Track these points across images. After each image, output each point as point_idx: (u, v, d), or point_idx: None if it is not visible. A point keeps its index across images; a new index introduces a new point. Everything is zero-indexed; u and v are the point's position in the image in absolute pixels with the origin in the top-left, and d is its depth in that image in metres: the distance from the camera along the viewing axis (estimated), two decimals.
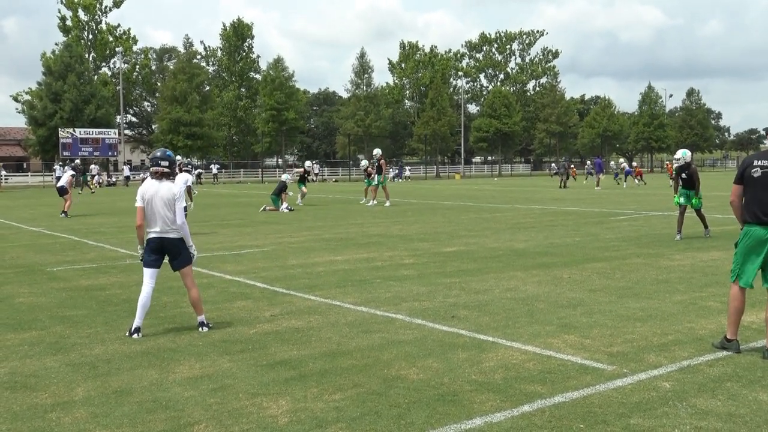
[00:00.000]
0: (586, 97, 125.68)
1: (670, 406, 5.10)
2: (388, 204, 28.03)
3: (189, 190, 19.63)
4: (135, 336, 7.31)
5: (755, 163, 6.47)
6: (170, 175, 7.68)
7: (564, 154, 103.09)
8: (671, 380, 5.68)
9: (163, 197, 7.47)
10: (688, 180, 15.09)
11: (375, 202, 28.83)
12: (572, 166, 61.13)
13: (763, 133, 7.23)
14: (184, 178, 19.67)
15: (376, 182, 28.79)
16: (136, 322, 7.42)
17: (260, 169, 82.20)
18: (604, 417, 4.90)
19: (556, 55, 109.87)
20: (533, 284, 10.01)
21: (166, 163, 7.61)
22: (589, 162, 53.60)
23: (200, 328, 7.58)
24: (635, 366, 6.05)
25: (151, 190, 7.50)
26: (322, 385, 5.70)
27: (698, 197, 15.08)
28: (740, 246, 6.53)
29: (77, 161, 53.68)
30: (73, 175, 26.80)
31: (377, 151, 29.77)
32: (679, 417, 4.89)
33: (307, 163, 32.81)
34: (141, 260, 7.72)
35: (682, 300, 8.78)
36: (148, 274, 7.61)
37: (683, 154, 15.05)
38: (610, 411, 5.02)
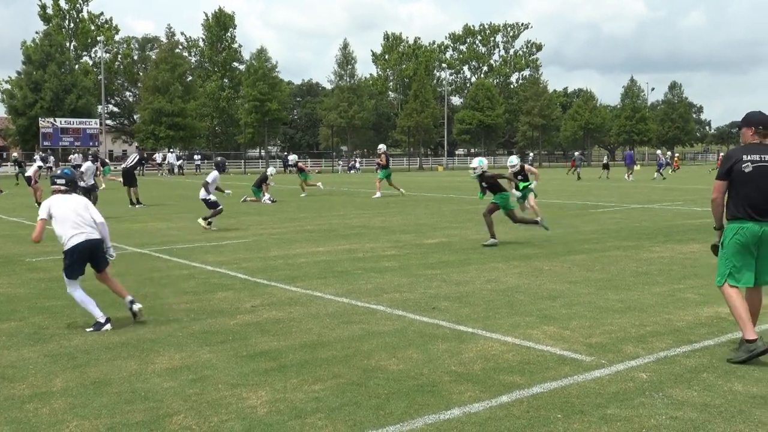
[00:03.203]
0: (569, 90, 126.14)
1: (646, 397, 5.15)
2: (377, 195, 28.12)
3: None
4: (108, 326, 7.25)
5: (744, 158, 6.02)
6: (72, 191, 7.82)
7: (546, 147, 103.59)
8: (648, 371, 5.73)
9: (74, 206, 7.55)
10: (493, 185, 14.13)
11: (402, 191, 29.11)
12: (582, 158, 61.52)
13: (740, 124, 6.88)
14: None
15: (380, 175, 29.13)
16: (98, 314, 7.34)
17: (243, 160, 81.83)
18: (582, 407, 4.95)
19: (539, 48, 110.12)
20: (514, 276, 10.06)
21: (63, 181, 7.76)
22: (576, 155, 53.23)
23: (132, 306, 7.54)
24: (613, 357, 6.11)
25: (60, 203, 7.53)
26: (301, 375, 5.71)
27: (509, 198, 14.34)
28: (730, 245, 6.09)
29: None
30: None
31: (382, 147, 30.32)
32: (655, 407, 4.94)
33: (292, 157, 32.14)
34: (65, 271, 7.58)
35: (661, 292, 8.86)
36: (75, 283, 7.50)
37: (479, 163, 14.11)
38: (588, 401, 5.06)
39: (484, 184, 13.92)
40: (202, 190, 16.67)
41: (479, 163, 14.03)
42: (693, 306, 8.04)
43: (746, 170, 6.01)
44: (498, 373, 5.70)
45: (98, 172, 27.76)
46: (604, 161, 52.77)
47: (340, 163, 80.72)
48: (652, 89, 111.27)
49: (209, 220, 16.21)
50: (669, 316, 7.58)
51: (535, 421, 4.72)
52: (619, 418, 4.76)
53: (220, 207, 16.48)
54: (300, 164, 32.13)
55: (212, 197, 16.57)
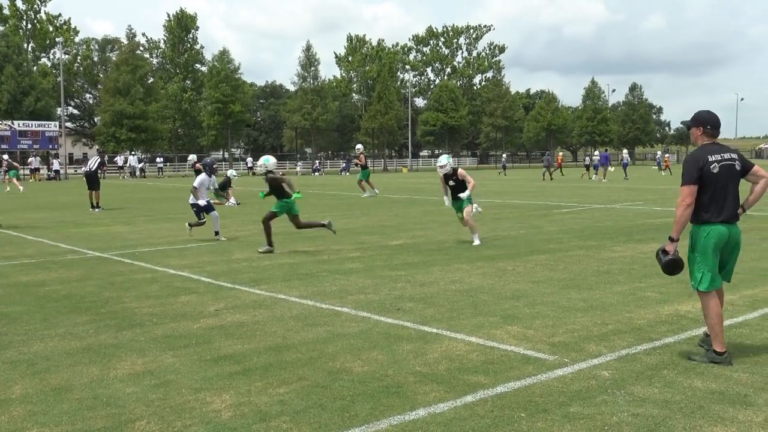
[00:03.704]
0: (531, 92, 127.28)
1: (608, 394, 5.21)
2: (370, 195, 28.78)
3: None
4: None
5: (710, 158, 5.86)
6: None
7: (509, 148, 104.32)
8: (610, 369, 5.80)
9: None
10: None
11: (377, 191, 29.40)
12: (560, 155, 61.57)
13: (682, 126, 6.69)
14: None
15: (361, 176, 29.68)
16: None
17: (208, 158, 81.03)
18: (545, 406, 4.99)
19: (502, 50, 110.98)
20: (478, 276, 10.12)
21: None
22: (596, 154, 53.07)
23: None
24: (576, 355, 6.17)
25: None
26: (266, 378, 5.68)
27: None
28: (705, 248, 5.91)
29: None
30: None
31: (360, 147, 30.88)
32: (617, 404, 5.01)
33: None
34: None
35: (622, 291, 8.97)
36: None
37: (448, 159, 13.89)
38: (551, 400, 5.11)
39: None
40: (191, 195, 15.34)
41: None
42: (654, 304, 8.16)
43: (714, 171, 5.86)
44: (462, 373, 5.72)
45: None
46: (586, 162, 51.98)
47: (299, 164, 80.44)
48: (613, 91, 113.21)
49: (192, 226, 15.19)
50: (630, 314, 7.69)
51: (499, 420, 4.76)
52: (581, 416, 4.81)
53: (204, 220, 15.19)
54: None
55: (202, 202, 15.14)
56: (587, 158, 51.15)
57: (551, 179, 45.90)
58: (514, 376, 5.65)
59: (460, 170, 13.68)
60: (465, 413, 4.88)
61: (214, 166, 16.11)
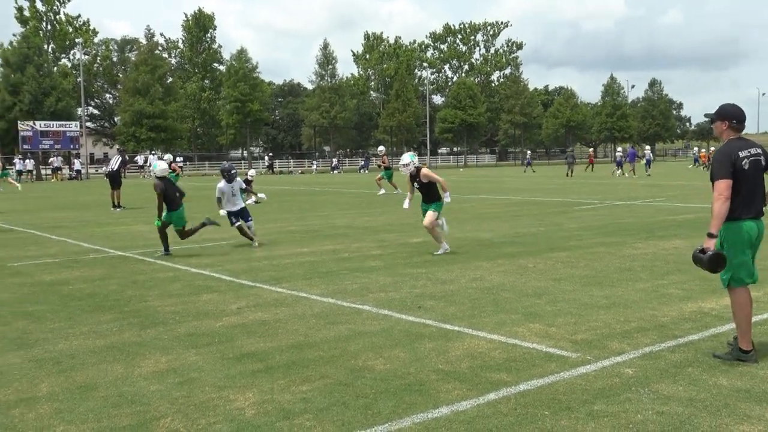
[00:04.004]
0: (550, 88, 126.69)
1: (632, 392, 5.18)
2: (381, 193, 28.78)
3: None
4: None
5: (741, 154, 5.77)
6: None
7: (528, 145, 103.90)
8: (634, 366, 5.77)
9: None
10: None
11: (398, 191, 29.28)
12: (591, 151, 60.69)
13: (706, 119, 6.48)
14: None
15: (383, 174, 29.82)
16: None
17: (225, 162, 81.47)
18: (569, 404, 4.97)
19: (520, 46, 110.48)
20: (498, 274, 10.09)
21: None
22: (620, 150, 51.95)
23: None
24: (599, 353, 6.14)
25: None
26: (289, 376, 5.70)
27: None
28: (736, 244, 5.82)
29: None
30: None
31: (382, 149, 31.07)
32: (641, 402, 4.98)
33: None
34: None
35: (645, 288, 8.91)
36: None
37: (411, 158, 12.61)
38: (575, 398, 5.09)
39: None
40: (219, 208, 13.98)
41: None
42: (677, 301, 8.10)
43: (745, 167, 5.77)
44: (485, 371, 5.71)
45: None
46: (618, 159, 49.88)
47: (315, 163, 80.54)
48: (632, 86, 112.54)
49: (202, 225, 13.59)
50: (653, 311, 7.64)
51: (522, 418, 4.74)
52: (605, 413, 4.79)
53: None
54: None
55: (226, 209, 13.89)
56: (617, 154, 50.23)
57: (571, 175, 45.63)
58: (536, 373, 5.63)
59: (423, 170, 12.19)
60: (488, 411, 4.87)
61: (233, 171, 13.73)
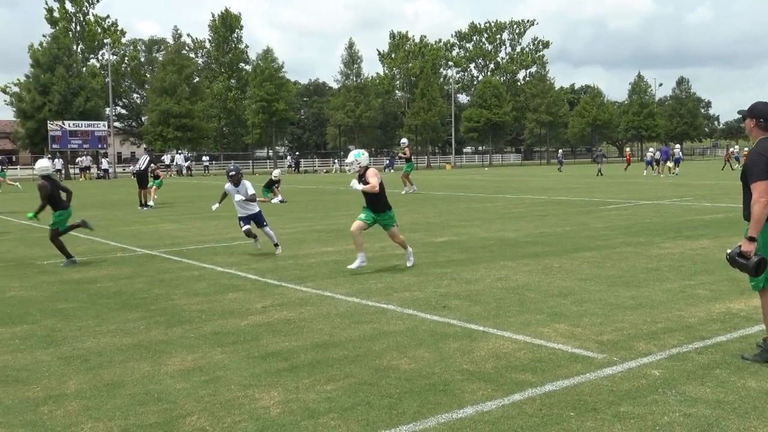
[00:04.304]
0: (576, 87, 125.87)
1: (659, 394, 5.14)
2: (405, 191, 28.59)
3: None
4: None
5: None
6: None
7: (554, 144, 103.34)
8: (661, 368, 5.72)
9: None
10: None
11: (415, 188, 29.33)
12: (628, 150, 59.93)
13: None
14: None
15: (406, 168, 29.74)
16: None
17: (251, 161, 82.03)
18: (595, 405, 4.94)
19: (546, 45, 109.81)
20: (524, 273, 10.05)
21: None
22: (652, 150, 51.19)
23: None
24: (625, 354, 6.09)
25: None
26: (313, 375, 5.72)
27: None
28: None
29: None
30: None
31: (405, 141, 30.80)
32: (668, 404, 4.93)
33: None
34: None
35: (672, 288, 8.83)
36: None
37: (356, 156, 11.26)
38: (601, 399, 5.05)
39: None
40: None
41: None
42: (704, 302, 8.01)
43: None
44: (510, 372, 5.69)
45: None
46: (653, 157, 48.21)
47: (337, 162, 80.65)
48: (660, 85, 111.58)
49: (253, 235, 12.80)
50: (680, 312, 7.56)
51: (548, 419, 4.72)
52: (632, 415, 4.75)
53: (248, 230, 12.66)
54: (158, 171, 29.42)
55: (215, 206, 13.85)
56: (658, 153, 49.48)
57: (601, 175, 45.29)
58: (562, 374, 5.60)
59: (370, 170, 10.83)
60: (513, 412, 4.86)
61: (232, 174, 12.72)
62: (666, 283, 9.19)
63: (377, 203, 10.93)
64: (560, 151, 69.38)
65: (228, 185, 12.81)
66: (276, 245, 12.78)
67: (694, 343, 6.40)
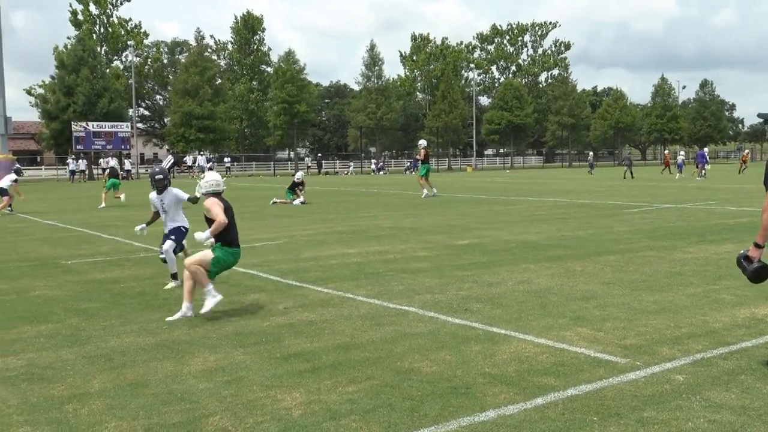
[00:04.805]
0: (598, 89, 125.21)
1: (683, 399, 5.09)
2: (427, 194, 28.14)
3: None
4: None
5: None
6: None
7: (576, 146, 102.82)
8: (685, 373, 5.67)
9: None
10: None
11: (435, 191, 28.95)
12: (666, 152, 59.36)
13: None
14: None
15: (423, 172, 29.24)
16: None
17: (272, 162, 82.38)
18: (618, 410, 4.91)
19: (568, 46, 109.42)
20: (546, 277, 10.00)
21: None
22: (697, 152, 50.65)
23: None
24: (648, 359, 6.05)
25: None
26: (335, 377, 5.73)
27: None
28: None
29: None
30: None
31: (423, 142, 30.43)
32: (692, 410, 4.89)
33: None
34: None
35: (696, 293, 8.75)
36: None
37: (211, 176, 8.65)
38: (624, 404, 5.02)
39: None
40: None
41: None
42: (729, 307, 7.94)
43: None
44: (532, 375, 5.67)
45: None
46: (679, 162, 47.96)
47: (351, 164, 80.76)
48: (683, 87, 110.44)
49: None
50: (705, 317, 7.49)
51: (570, 423, 4.70)
52: (656, 421, 4.71)
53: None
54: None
55: (138, 228, 10.92)
56: (679, 157, 48.89)
57: (632, 177, 44.97)
58: (584, 378, 5.57)
59: (209, 200, 8.31)
60: (535, 416, 4.83)
61: (158, 177, 9.94)
62: (690, 287, 9.11)
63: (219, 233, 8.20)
64: (590, 153, 68.67)
65: (153, 195, 10.18)
66: (172, 276, 9.97)
67: (718, 348, 6.34)
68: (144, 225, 10.73)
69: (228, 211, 8.23)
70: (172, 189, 10.11)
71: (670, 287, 9.12)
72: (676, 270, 10.39)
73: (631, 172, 46.70)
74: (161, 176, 9.97)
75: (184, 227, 10.17)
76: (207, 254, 8.13)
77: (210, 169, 25.31)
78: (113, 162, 31.76)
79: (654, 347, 6.39)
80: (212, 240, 8.27)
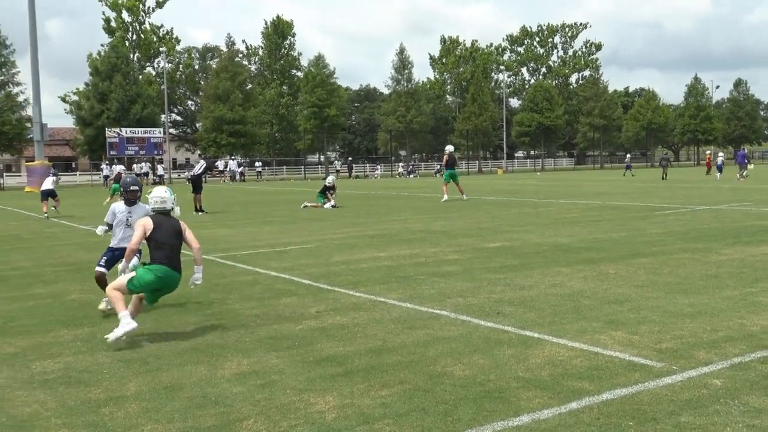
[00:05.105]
0: (630, 90, 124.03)
1: (721, 404, 5.02)
2: (446, 199, 27.93)
3: None
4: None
5: None
6: None
7: (608, 148, 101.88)
8: (722, 377, 5.58)
9: None
10: None
11: (446, 197, 28.61)
12: (708, 154, 58.73)
13: None
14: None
15: (445, 177, 29.01)
16: None
17: (303, 166, 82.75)
18: (654, 415, 4.85)
19: (599, 47, 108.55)
20: (579, 280, 9.92)
21: None
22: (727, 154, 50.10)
23: None
24: (685, 363, 5.97)
25: None
26: (368, 381, 5.73)
27: None
28: None
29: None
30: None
31: (449, 147, 30.32)
32: (731, 415, 4.82)
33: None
34: None
35: (732, 295, 8.62)
36: None
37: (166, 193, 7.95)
38: (660, 409, 4.96)
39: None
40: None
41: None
42: (767, 310, 7.80)
43: None
44: (566, 379, 5.62)
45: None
46: (719, 163, 46.69)
47: (378, 168, 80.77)
48: (717, 87, 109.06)
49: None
50: (742, 320, 7.38)
51: (606, 428, 4.65)
52: (693, 426, 4.65)
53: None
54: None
55: (100, 229, 9.85)
56: (719, 159, 48.18)
57: (663, 179, 44.53)
58: (620, 383, 5.51)
59: (140, 220, 7.90)
60: (570, 420, 4.79)
61: (132, 188, 9.04)
62: (726, 290, 8.98)
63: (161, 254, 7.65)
64: (628, 155, 67.83)
65: (120, 207, 9.16)
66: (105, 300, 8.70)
67: (756, 352, 6.24)
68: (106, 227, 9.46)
69: (158, 230, 7.59)
70: (142, 204, 9.11)
71: (706, 290, 9.00)
72: (711, 272, 10.25)
73: (665, 174, 46.19)
74: (136, 188, 9.13)
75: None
76: (127, 276, 7.63)
77: (190, 179, 25.49)
78: (118, 168, 32.55)
79: (690, 351, 6.31)
80: (135, 263, 8.07)
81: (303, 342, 7.00)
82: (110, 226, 9.34)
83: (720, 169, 46.29)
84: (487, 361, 6.16)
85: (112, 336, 7.07)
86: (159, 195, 7.90)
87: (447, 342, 6.84)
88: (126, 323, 7.07)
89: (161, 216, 7.83)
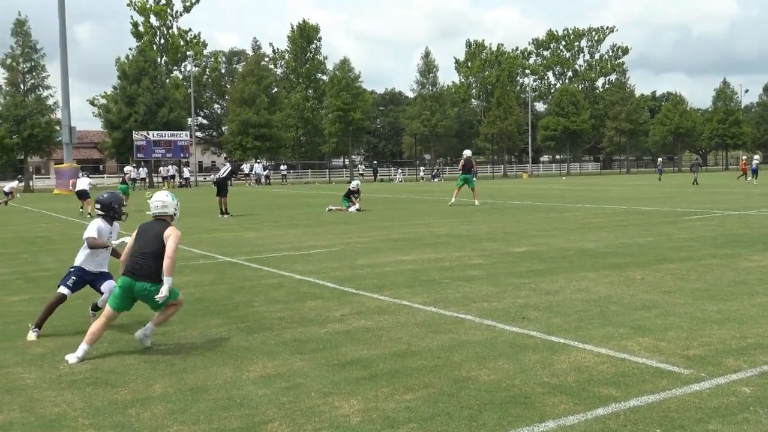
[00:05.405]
0: (657, 94, 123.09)
1: (750, 412, 4.95)
2: (453, 202, 27.82)
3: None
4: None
5: None
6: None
7: (634, 152, 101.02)
8: (751, 385, 5.51)
9: None
10: None
11: (453, 200, 28.47)
12: (744, 158, 58.19)
13: None
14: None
15: (460, 182, 28.81)
16: None
17: (327, 170, 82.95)
18: (682, 422, 4.79)
19: (625, 51, 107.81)
20: (605, 285, 9.84)
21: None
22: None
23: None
24: (713, 370, 5.89)
25: None
26: (393, 385, 5.73)
27: None
28: None
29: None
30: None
31: (466, 152, 30.15)
32: (760, 423, 4.75)
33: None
34: None
35: (762, 302, 8.51)
36: None
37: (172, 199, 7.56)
38: (688, 416, 4.90)
39: None
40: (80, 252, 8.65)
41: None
42: None
43: None
44: (592, 386, 5.58)
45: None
46: (754, 167, 47.07)
47: (399, 172, 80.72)
48: (746, 91, 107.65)
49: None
50: None
51: None
52: None
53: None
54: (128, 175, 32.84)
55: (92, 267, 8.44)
56: (754, 162, 47.50)
57: (694, 184, 44.13)
58: (647, 389, 5.46)
59: (169, 229, 7.22)
60: (596, 427, 4.75)
61: (115, 206, 8.35)
62: (755, 297, 8.86)
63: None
64: (659, 159, 67.16)
65: (102, 224, 8.30)
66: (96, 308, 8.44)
67: None
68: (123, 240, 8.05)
69: (137, 238, 7.24)
70: (116, 224, 8.49)
71: (735, 296, 8.89)
72: (740, 279, 10.12)
73: (696, 180, 45.82)
74: (117, 204, 8.39)
75: (109, 273, 8.44)
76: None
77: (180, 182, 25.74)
78: (128, 168, 33.38)
79: (719, 358, 6.23)
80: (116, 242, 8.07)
81: (328, 345, 7.01)
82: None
83: (755, 172, 45.71)
84: (512, 366, 6.13)
85: (70, 356, 6.74)
86: (160, 199, 7.46)
87: (472, 346, 6.81)
88: (81, 351, 6.73)
89: (151, 222, 7.36)
